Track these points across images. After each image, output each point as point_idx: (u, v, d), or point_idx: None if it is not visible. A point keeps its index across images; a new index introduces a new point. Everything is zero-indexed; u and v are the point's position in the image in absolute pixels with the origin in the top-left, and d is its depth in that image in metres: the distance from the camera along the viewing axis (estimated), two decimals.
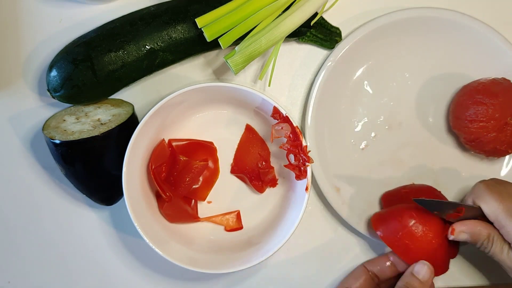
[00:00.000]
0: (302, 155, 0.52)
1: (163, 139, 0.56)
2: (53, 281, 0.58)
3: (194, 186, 0.57)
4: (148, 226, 0.52)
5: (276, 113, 0.53)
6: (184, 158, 0.55)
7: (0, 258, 0.58)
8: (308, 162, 0.52)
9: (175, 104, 0.53)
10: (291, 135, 0.53)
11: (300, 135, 0.52)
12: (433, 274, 0.51)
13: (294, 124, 0.52)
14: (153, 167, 0.54)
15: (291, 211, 0.54)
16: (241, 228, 0.57)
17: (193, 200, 0.57)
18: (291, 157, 0.54)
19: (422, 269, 0.51)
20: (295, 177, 0.54)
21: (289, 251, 0.58)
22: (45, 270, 0.58)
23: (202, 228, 0.57)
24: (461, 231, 0.50)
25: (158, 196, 0.56)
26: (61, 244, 0.58)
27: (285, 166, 0.54)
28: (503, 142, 0.53)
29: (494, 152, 0.54)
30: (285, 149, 0.54)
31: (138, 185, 0.54)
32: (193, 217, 0.57)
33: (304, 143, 0.52)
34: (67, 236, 0.58)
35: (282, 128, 0.53)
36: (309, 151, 0.52)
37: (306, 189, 0.52)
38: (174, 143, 0.56)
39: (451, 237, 0.50)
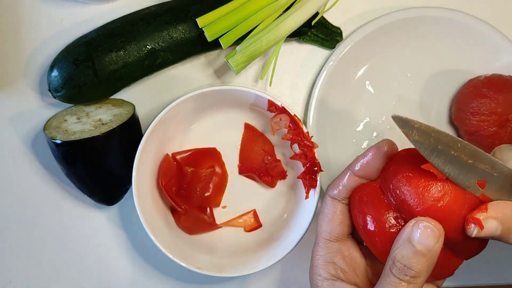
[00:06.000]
0: (305, 141, 0.52)
1: (167, 154, 0.56)
2: (54, 281, 0.58)
3: (206, 194, 0.57)
4: (171, 244, 0.53)
5: (271, 105, 0.53)
6: (191, 169, 0.55)
7: (1, 258, 0.58)
8: (313, 147, 0.52)
9: (171, 118, 0.53)
10: (290, 125, 0.53)
11: (300, 123, 0.52)
12: (442, 235, 0.36)
13: (292, 113, 0.52)
14: (163, 183, 0.54)
15: (307, 199, 0.54)
16: (260, 226, 0.58)
17: (208, 208, 0.57)
18: (295, 147, 0.54)
19: (424, 233, 0.36)
20: (303, 165, 0.53)
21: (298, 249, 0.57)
22: (46, 270, 0.58)
23: (222, 233, 0.57)
24: (488, 217, 0.36)
25: (172, 211, 0.56)
26: (62, 244, 0.58)
27: (291, 158, 0.54)
28: (502, 138, 0.53)
29: (492, 148, 0.54)
30: (288, 139, 0.53)
31: (151, 205, 0.54)
32: (212, 225, 0.57)
33: (305, 130, 0.52)
34: (68, 236, 0.58)
35: (280, 120, 0.53)
36: (312, 136, 0.52)
37: (317, 171, 0.51)
38: (178, 156, 0.56)
39: (475, 232, 0.36)
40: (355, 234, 0.46)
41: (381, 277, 0.39)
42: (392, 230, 0.39)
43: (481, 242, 0.39)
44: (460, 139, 0.38)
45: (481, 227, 0.36)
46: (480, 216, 0.36)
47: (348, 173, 0.44)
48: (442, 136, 0.37)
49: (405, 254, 0.37)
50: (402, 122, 0.37)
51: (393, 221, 0.40)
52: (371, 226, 0.41)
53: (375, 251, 0.41)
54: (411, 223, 0.37)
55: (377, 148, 0.43)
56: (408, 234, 0.37)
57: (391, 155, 0.43)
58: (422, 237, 0.36)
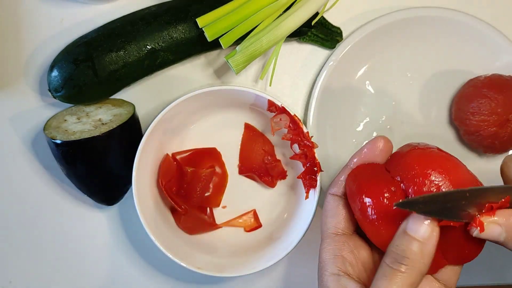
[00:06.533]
0: (305, 141, 0.52)
1: (167, 154, 0.56)
2: (54, 281, 0.58)
3: (206, 194, 0.57)
4: (171, 244, 0.53)
5: (271, 105, 0.53)
6: (191, 169, 0.56)
7: (1, 258, 0.58)
8: (313, 147, 0.52)
9: (171, 118, 0.53)
10: (290, 125, 0.53)
11: (300, 123, 0.52)
12: (437, 230, 0.36)
13: (292, 113, 0.52)
14: (163, 183, 0.54)
15: (307, 199, 0.54)
16: (260, 226, 0.58)
17: (208, 208, 0.57)
18: (295, 147, 0.54)
19: (418, 224, 0.36)
20: (303, 165, 0.54)
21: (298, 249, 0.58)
22: (46, 270, 0.58)
23: (222, 233, 0.57)
24: (492, 222, 0.36)
25: (172, 211, 0.56)
26: (62, 244, 0.58)
27: (291, 158, 0.54)
28: (502, 138, 0.53)
29: (492, 148, 0.54)
30: (288, 139, 0.53)
31: (151, 205, 0.54)
32: (212, 225, 0.57)
33: (305, 130, 0.52)
34: (68, 236, 0.58)
35: (280, 120, 0.53)
36: (312, 136, 0.52)
37: (317, 171, 0.52)
38: (178, 156, 0.56)
39: (475, 233, 0.36)
40: (360, 232, 0.45)
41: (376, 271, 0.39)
42: (387, 202, 0.40)
43: (476, 245, 0.39)
44: (467, 188, 0.37)
45: (481, 230, 0.36)
46: (485, 219, 0.36)
47: (346, 169, 0.46)
48: (449, 195, 0.37)
49: (399, 242, 0.37)
50: (406, 205, 0.37)
51: (388, 193, 0.40)
52: (365, 197, 0.41)
53: (367, 224, 0.41)
54: (410, 217, 0.37)
55: (373, 144, 0.45)
56: (405, 224, 0.37)
57: (386, 151, 0.45)
58: (417, 225, 0.36)
